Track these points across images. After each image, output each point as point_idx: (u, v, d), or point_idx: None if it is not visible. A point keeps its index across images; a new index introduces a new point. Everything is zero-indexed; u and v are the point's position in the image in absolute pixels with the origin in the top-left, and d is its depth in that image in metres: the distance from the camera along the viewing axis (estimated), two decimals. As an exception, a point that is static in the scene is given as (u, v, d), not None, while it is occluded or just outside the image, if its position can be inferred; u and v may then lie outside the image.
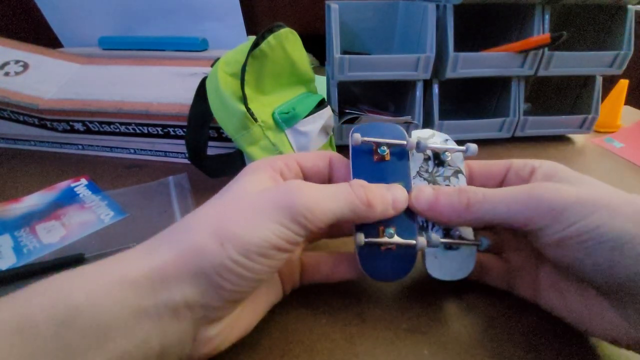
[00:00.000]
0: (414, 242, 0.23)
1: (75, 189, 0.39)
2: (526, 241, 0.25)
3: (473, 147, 0.25)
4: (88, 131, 0.44)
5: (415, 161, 0.25)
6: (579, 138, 0.54)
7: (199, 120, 0.37)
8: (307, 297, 0.27)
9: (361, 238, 0.23)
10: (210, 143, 0.43)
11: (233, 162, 0.36)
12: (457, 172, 0.25)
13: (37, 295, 0.16)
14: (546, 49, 0.44)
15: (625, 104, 0.58)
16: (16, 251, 0.31)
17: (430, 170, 0.25)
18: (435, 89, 0.47)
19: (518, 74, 0.47)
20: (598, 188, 0.20)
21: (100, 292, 0.16)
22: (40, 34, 0.65)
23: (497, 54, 0.45)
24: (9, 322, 0.14)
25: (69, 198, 0.38)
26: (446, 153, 0.25)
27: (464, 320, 0.25)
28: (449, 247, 0.24)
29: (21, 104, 0.43)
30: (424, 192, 0.23)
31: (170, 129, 0.42)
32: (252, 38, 0.33)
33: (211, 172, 0.38)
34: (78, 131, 0.45)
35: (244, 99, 0.32)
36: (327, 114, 0.38)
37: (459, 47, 0.44)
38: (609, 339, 0.21)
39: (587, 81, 0.50)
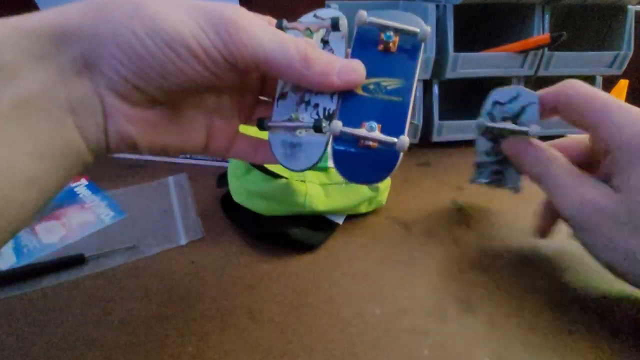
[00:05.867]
0: (395, 139, 0.19)
1: (75, 189, 0.39)
2: None
3: (535, 128, 0.27)
4: (88, 131, 0.44)
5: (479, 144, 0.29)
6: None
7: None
8: (306, 296, 0.27)
9: (338, 125, 0.19)
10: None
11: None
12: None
13: None
14: (546, 49, 0.44)
15: (625, 104, 0.58)
16: (16, 251, 0.31)
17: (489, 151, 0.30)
18: (435, 89, 0.47)
19: (518, 74, 0.46)
20: None
21: None
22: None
23: (497, 54, 0.45)
24: None
25: (69, 198, 0.38)
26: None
27: (464, 320, 0.25)
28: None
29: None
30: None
31: (170, 129, 0.42)
32: None
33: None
34: (78, 131, 0.45)
35: (274, 175, 0.31)
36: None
37: (459, 47, 0.44)
38: None
39: (587, 81, 0.50)
